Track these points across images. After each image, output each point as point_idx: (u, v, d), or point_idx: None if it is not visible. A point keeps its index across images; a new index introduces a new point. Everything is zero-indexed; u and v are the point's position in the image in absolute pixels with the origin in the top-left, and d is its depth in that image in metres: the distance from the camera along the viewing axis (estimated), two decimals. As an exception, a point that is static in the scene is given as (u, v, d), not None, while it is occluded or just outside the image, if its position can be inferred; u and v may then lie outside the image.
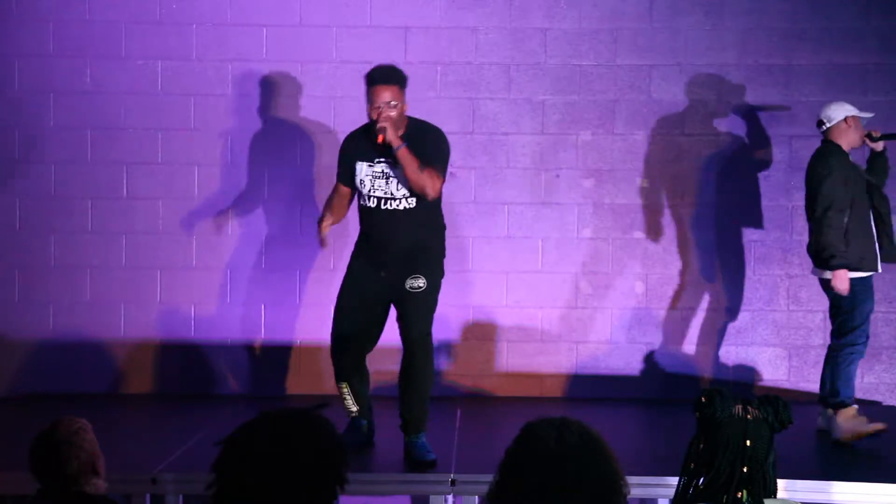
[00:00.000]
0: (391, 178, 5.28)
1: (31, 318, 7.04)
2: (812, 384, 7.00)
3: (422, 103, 7.09)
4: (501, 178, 7.01)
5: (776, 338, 7.05)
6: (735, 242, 7.06)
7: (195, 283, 7.08)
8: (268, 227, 7.11)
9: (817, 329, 7.03)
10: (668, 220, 7.08)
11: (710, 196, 7.07)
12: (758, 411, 2.73)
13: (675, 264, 7.08)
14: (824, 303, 7.01)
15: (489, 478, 2.26)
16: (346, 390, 5.46)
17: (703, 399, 2.75)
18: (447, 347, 7.10)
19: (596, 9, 7.05)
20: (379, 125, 5.16)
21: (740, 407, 2.74)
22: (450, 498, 5.10)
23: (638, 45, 7.04)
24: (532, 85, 7.05)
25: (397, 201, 5.29)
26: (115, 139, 7.07)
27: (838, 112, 5.99)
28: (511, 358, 6.98)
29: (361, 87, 7.01)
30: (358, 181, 5.33)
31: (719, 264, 7.07)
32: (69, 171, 7.06)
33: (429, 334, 5.45)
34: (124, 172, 7.08)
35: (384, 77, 5.26)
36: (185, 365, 7.08)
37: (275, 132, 7.10)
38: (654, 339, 7.07)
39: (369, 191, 5.30)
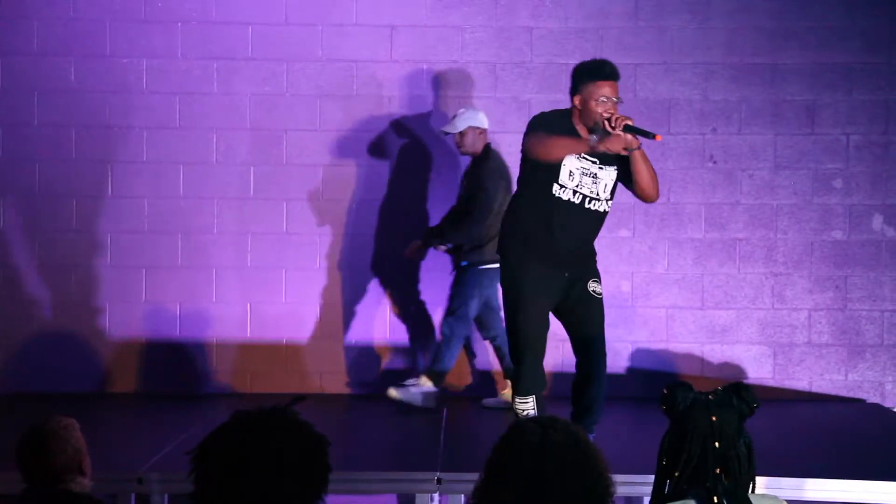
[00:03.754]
0: (598, 179, 5.06)
1: (16, 317, 7.02)
2: (797, 382, 7.05)
3: (407, 102, 7.10)
4: (487, 177, 7.00)
5: (761, 336, 7.07)
6: (720, 241, 7.08)
7: (181, 282, 7.07)
8: (253, 225, 7.09)
9: (802, 327, 7.05)
10: (653, 219, 7.10)
11: (695, 195, 7.09)
12: (720, 395, 2.80)
13: (661, 263, 7.10)
14: (809, 301, 7.06)
15: (475, 476, 2.27)
16: (531, 404, 5.15)
17: (665, 391, 2.81)
18: (434, 346, 7.10)
19: (582, 8, 7.06)
20: (626, 123, 4.82)
21: (702, 392, 2.81)
22: (436, 496, 5.10)
23: (624, 43, 7.05)
24: (518, 84, 7.06)
25: (601, 202, 5.09)
26: (100, 137, 7.05)
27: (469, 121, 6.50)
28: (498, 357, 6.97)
29: (347, 86, 7.06)
30: (566, 173, 5.03)
31: (705, 263, 7.09)
32: (54, 170, 7.04)
33: (604, 339, 5.32)
34: (109, 171, 7.07)
35: (613, 72, 5.00)
36: (171, 364, 7.06)
37: (261, 130, 7.08)
38: (640, 338, 7.08)
39: (577, 185, 5.05)
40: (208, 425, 2.22)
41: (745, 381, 6.69)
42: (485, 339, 6.71)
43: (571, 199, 5.06)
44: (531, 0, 7.07)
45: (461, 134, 6.43)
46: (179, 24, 7.06)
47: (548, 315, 5.20)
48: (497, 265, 6.13)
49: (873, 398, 7.05)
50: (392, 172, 7.12)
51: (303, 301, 7.09)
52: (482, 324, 6.62)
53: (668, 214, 7.09)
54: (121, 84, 7.05)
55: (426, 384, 6.43)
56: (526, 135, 5.12)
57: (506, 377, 6.57)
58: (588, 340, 5.21)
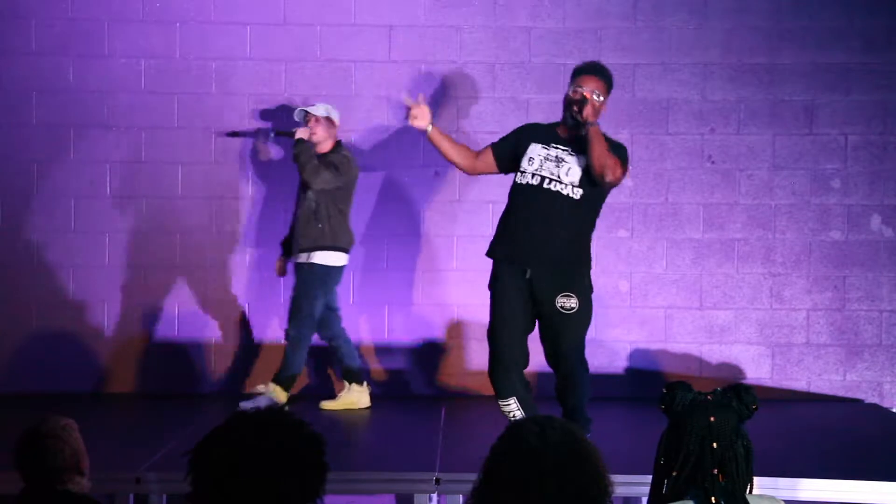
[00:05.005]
0: (563, 163, 5.15)
1: (15, 318, 7.01)
2: (795, 382, 7.05)
3: (405, 102, 7.10)
4: (486, 177, 6.99)
5: (759, 336, 7.08)
6: (719, 241, 7.08)
7: (179, 282, 7.07)
8: (252, 225, 7.09)
9: (800, 327, 7.06)
10: (651, 219, 7.10)
11: (693, 195, 7.09)
12: (720, 396, 2.80)
13: (659, 263, 7.10)
14: (807, 301, 7.06)
15: (473, 476, 2.27)
16: (513, 405, 5.17)
17: (665, 390, 2.82)
18: (432, 347, 7.10)
19: (580, 8, 7.07)
20: (580, 97, 5.09)
21: (701, 392, 2.81)
22: (434, 496, 5.10)
23: (622, 44, 7.05)
24: (516, 84, 7.06)
25: (563, 185, 5.14)
26: (99, 137, 7.05)
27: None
28: (495, 356, 6.97)
29: (345, 86, 7.06)
30: (526, 159, 5.19)
31: (703, 263, 7.09)
32: (52, 170, 7.04)
33: (581, 350, 5.22)
34: (107, 171, 7.06)
35: (592, 69, 5.23)
36: (170, 364, 7.06)
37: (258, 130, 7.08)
38: (638, 338, 7.09)
39: (536, 168, 5.16)
40: (206, 425, 2.22)
41: (744, 382, 6.70)
42: (322, 339, 6.56)
43: (530, 182, 5.18)
44: (529, 0, 7.07)
45: (317, 121, 6.41)
46: (178, 24, 7.06)
47: (516, 317, 5.18)
48: (340, 265, 6.36)
49: (871, 398, 7.06)
50: (390, 173, 7.11)
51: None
52: (321, 323, 6.49)
53: (667, 214, 7.09)
54: (119, 84, 7.05)
55: (275, 392, 6.30)
56: None
57: (342, 378, 6.58)
58: (558, 359, 5.24)
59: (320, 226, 6.32)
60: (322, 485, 2.18)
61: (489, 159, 5.43)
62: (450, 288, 7.09)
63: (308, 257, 6.36)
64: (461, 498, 5.00)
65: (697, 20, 7.07)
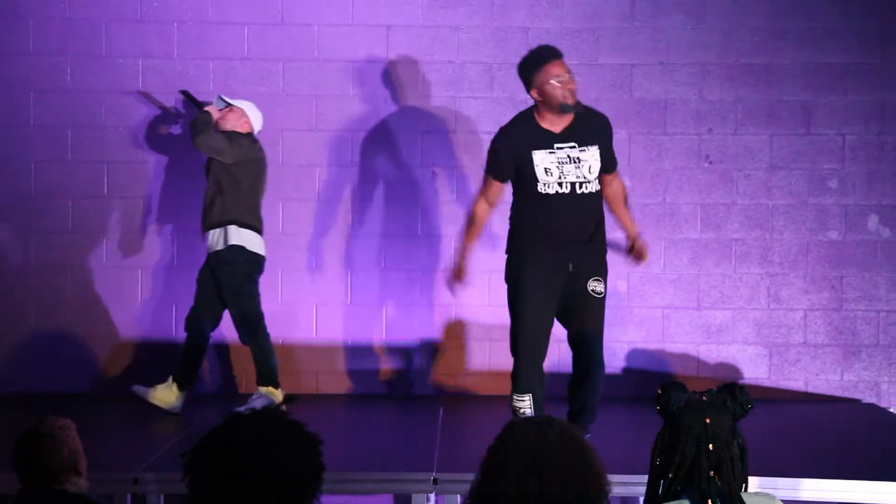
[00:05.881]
0: (581, 162, 5.16)
1: (12, 318, 7.01)
2: (793, 382, 7.05)
3: (403, 102, 7.10)
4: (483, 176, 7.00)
5: (756, 336, 7.08)
6: (716, 241, 7.09)
7: (176, 282, 7.06)
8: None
9: (798, 327, 7.06)
10: (649, 219, 7.10)
11: (691, 195, 7.09)
12: (714, 396, 2.80)
13: (657, 263, 7.10)
14: (804, 301, 7.07)
15: (471, 476, 2.27)
16: (528, 402, 5.21)
17: (660, 391, 2.82)
18: (429, 346, 7.10)
19: (578, 8, 7.07)
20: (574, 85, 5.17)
21: (696, 392, 2.81)
22: (432, 496, 5.10)
23: (620, 44, 7.05)
24: (514, 84, 7.00)
25: (591, 184, 5.19)
26: (96, 137, 7.05)
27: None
28: (493, 356, 6.98)
29: (343, 86, 7.06)
30: (541, 171, 5.13)
31: (701, 263, 7.09)
32: (50, 170, 7.04)
33: (602, 341, 5.33)
34: (105, 171, 7.06)
35: (553, 52, 5.24)
36: (168, 364, 7.04)
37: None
38: (636, 338, 7.09)
39: (559, 177, 5.12)
40: (204, 426, 2.22)
41: (741, 382, 6.70)
42: (186, 329, 6.34)
43: (560, 192, 5.13)
44: (527, 0, 7.07)
45: (231, 110, 6.32)
46: (175, 24, 7.06)
47: (550, 312, 5.23)
48: (263, 252, 6.22)
49: (869, 398, 7.06)
50: (388, 173, 7.12)
51: (296, 302, 7.08)
52: (199, 313, 6.30)
53: (664, 214, 7.09)
54: (117, 84, 7.04)
55: (270, 393, 6.22)
56: (487, 159, 5.38)
57: (173, 374, 6.31)
58: (584, 340, 5.23)
59: (229, 198, 6.17)
60: (319, 485, 2.18)
61: (499, 191, 5.39)
62: (448, 288, 7.08)
63: (222, 234, 6.17)
64: (459, 498, 5.00)
65: (695, 20, 7.07)
